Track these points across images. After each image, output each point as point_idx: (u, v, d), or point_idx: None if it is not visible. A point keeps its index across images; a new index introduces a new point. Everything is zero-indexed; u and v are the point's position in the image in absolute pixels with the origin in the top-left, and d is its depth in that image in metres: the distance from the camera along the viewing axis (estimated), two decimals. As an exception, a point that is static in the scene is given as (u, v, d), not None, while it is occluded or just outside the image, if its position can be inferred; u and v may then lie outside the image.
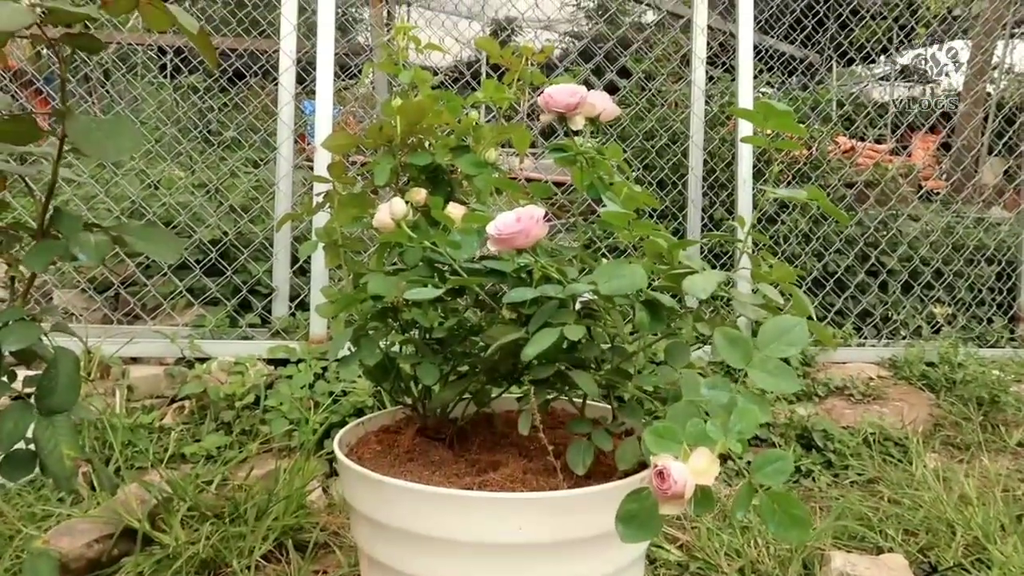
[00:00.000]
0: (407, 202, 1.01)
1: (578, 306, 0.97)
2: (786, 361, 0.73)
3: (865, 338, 3.01)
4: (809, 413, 2.36)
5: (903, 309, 3.14)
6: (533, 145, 2.30)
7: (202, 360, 2.27)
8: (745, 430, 0.67)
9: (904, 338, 3.04)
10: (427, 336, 1.04)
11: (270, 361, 2.29)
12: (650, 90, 3.49)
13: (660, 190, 3.10)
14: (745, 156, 2.76)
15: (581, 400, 1.06)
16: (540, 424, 0.94)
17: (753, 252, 1.02)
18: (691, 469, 0.66)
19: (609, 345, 0.98)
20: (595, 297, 0.98)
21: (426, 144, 1.15)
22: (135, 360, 2.38)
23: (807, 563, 1.60)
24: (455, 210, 1.04)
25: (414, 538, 0.90)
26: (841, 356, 2.74)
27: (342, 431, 1.11)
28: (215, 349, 2.31)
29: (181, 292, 2.51)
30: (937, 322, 3.19)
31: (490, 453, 1.09)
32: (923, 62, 5.33)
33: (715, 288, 0.78)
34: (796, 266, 2.94)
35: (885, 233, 3.23)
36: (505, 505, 0.86)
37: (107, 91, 3.41)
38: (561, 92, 0.99)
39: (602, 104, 1.02)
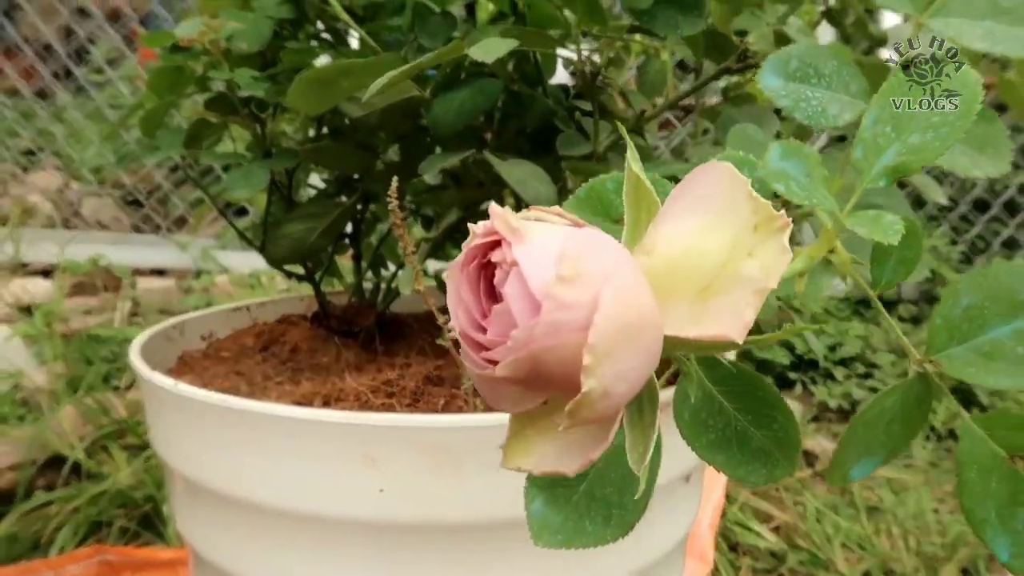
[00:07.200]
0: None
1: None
2: None
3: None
4: None
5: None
6: None
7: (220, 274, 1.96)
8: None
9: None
10: (257, 113, 0.59)
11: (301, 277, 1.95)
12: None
13: None
14: None
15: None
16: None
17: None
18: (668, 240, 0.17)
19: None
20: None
21: None
22: (159, 273, 2.12)
23: (970, 568, 1.07)
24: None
25: (211, 499, 0.47)
26: None
27: (196, 314, 0.69)
28: (232, 261, 1.99)
29: (205, 202, 2.20)
30: None
31: (425, 358, 0.65)
32: None
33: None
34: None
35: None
36: (341, 434, 0.41)
37: None
38: None
39: None
